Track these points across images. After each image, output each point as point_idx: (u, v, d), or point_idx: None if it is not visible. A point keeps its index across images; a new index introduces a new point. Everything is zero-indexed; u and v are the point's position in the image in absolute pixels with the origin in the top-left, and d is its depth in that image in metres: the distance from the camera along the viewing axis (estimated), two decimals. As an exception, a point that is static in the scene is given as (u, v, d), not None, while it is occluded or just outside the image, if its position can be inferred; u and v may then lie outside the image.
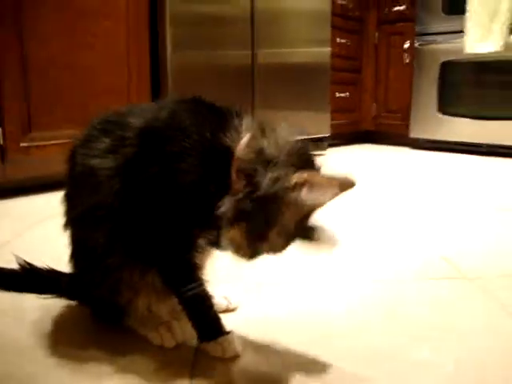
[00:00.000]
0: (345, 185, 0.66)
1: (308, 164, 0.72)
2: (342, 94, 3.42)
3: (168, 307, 0.87)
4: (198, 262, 0.80)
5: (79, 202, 0.82)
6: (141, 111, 0.81)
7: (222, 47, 2.43)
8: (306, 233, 0.75)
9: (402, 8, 3.29)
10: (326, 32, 3.00)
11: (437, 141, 3.29)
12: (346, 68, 3.44)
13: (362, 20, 3.48)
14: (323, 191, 0.67)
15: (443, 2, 3.07)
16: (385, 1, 3.39)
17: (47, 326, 0.91)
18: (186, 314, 0.81)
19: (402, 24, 3.31)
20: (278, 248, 0.74)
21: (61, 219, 0.86)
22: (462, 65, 3.04)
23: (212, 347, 0.80)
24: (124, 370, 0.76)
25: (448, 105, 3.18)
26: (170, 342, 0.83)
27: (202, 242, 0.77)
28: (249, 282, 1.12)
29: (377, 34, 3.46)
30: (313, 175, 0.68)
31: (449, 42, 3.03)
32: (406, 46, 3.28)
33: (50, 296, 0.99)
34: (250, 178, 0.70)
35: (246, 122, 0.75)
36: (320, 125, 3.08)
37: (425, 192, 2.09)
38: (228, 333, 0.81)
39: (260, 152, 0.71)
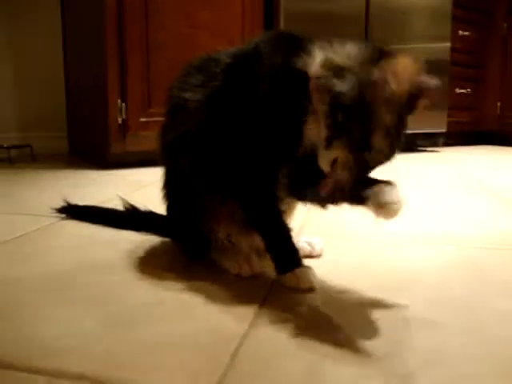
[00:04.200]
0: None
1: (380, 58, 0.68)
2: (463, 91, 3.21)
3: (249, 242, 0.88)
4: (279, 195, 0.80)
5: (171, 130, 0.87)
6: (235, 49, 0.85)
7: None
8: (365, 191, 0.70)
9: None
10: (446, 27, 2.86)
11: None
12: (468, 63, 3.23)
13: (487, 11, 3.25)
14: (409, 72, 0.64)
15: None
16: (516, -11, 3.13)
17: (139, 253, 0.97)
18: (264, 244, 0.82)
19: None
20: (385, 155, 0.69)
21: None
22: None
23: (287, 278, 0.79)
24: (199, 289, 0.79)
25: None
26: (246, 272, 0.84)
27: (283, 177, 0.78)
28: (331, 235, 1.11)
29: (505, 25, 3.20)
30: (391, 62, 0.66)
31: None
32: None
33: (146, 233, 1.08)
34: (331, 91, 0.68)
35: (319, 45, 0.74)
36: (436, 121, 2.92)
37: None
38: (305, 266, 0.80)
39: (335, 66, 0.70)
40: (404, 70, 0.65)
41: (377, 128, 0.67)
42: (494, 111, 3.34)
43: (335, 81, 0.68)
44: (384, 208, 0.69)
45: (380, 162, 0.70)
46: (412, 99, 0.68)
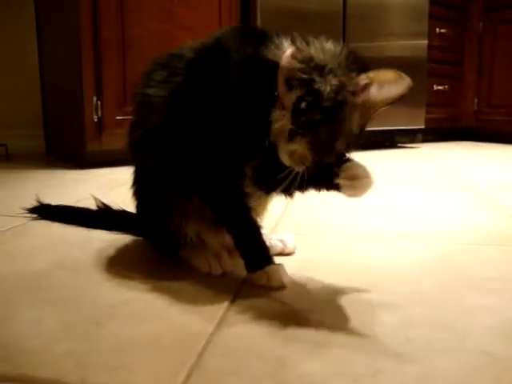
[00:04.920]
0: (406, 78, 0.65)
1: (363, 66, 0.68)
2: (440, 87, 3.24)
3: (219, 239, 0.87)
4: (246, 190, 0.79)
5: (138, 128, 0.85)
6: (197, 43, 0.84)
7: (313, 43, 2.45)
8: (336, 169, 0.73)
9: (511, -7, 3.05)
10: (423, 24, 2.88)
11: (547, 138, 2.99)
12: (446, 60, 3.26)
13: (464, 9, 3.28)
14: (395, 84, 0.65)
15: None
16: (492, -14, 3.17)
17: (109, 252, 0.96)
18: (233, 242, 0.81)
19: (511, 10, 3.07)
20: (336, 155, 0.70)
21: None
22: None
23: (258, 276, 0.78)
24: (168, 288, 0.78)
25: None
26: (216, 270, 0.83)
27: (249, 170, 0.77)
28: (305, 232, 1.10)
29: (481, 24, 3.23)
30: (378, 73, 0.66)
31: None
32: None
33: (118, 232, 1.06)
34: (307, 86, 0.67)
35: (287, 39, 0.73)
36: (414, 117, 2.95)
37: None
38: (276, 264, 0.80)
39: (310, 60, 0.68)
40: (389, 84, 0.65)
41: (343, 134, 0.67)
42: (471, 108, 3.39)
43: (317, 78, 0.67)
44: (356, 180, 0.71)
45: (331, 159, 0.70)
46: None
